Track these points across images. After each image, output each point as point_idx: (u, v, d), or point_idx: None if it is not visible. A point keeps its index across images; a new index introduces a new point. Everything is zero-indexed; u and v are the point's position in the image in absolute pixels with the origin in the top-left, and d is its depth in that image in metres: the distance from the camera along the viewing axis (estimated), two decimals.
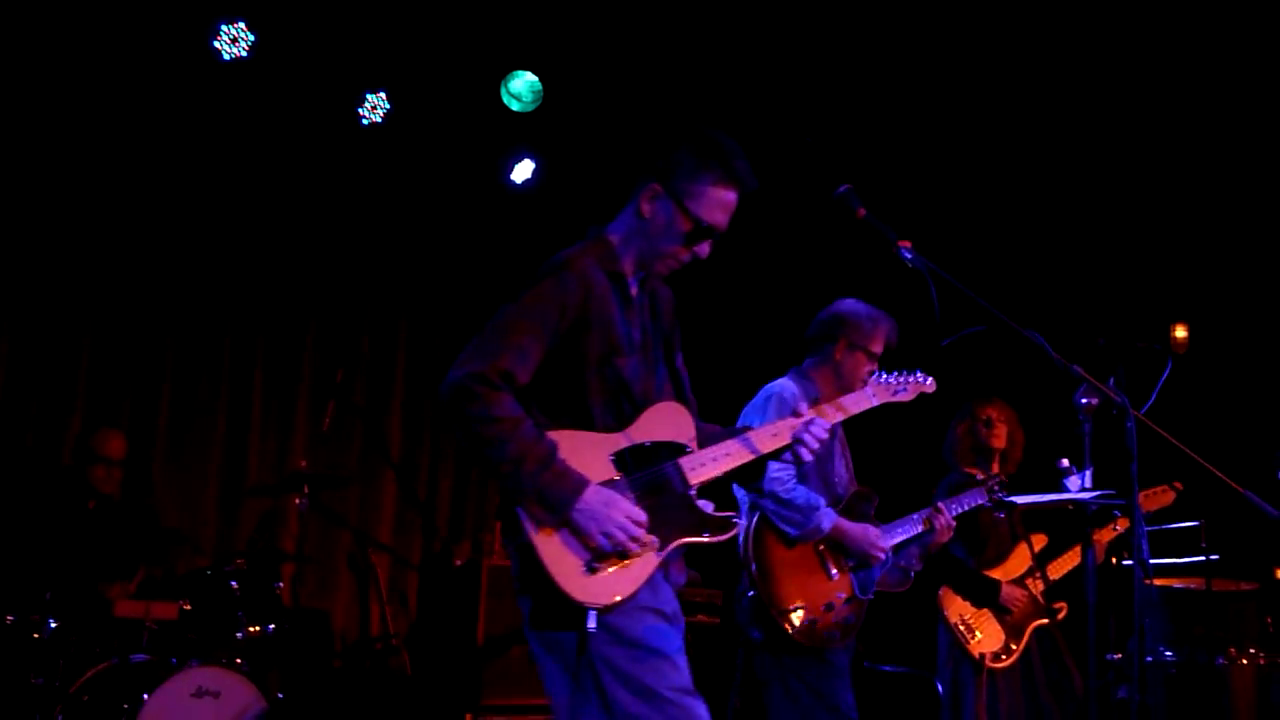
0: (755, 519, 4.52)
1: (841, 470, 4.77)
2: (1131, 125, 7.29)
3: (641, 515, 3.02)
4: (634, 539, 3.00)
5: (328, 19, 7.07)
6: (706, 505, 3.18)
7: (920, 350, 4.42)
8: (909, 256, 3.47)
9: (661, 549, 3.07)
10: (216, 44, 6.86)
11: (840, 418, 3.75)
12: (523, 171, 8.04)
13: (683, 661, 3.07)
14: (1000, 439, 5.62)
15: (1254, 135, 7.07)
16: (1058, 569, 5.44)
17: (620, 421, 3.16)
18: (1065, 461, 4.53)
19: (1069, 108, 7.32)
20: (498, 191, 8.12)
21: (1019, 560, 5.43)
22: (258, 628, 5.91)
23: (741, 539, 4.52)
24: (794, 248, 8.38)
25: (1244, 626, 6.24)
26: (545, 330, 3.08)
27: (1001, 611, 5.29)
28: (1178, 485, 5.29)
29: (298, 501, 6.40)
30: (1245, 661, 6.05)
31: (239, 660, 5.73)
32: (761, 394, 4.71)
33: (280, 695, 5.78)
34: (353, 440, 7.90)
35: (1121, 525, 5.36)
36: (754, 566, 4.45)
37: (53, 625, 5.58)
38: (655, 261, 3.31)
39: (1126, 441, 3.68)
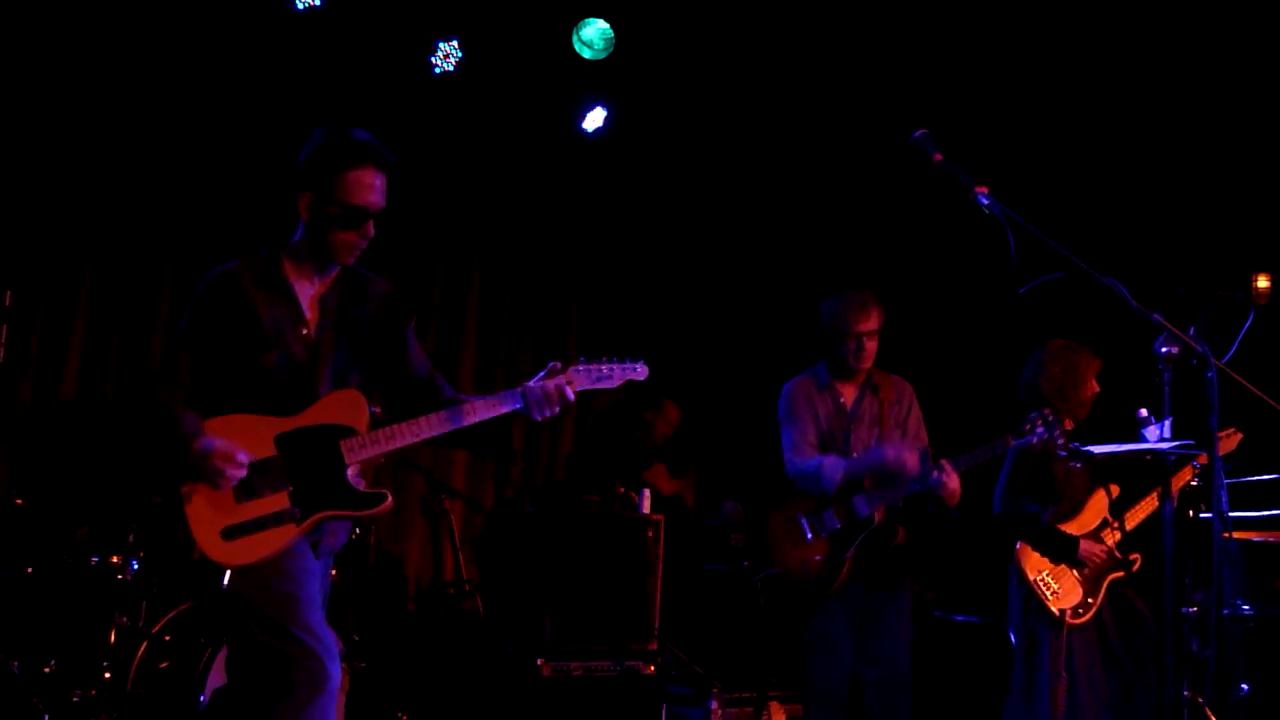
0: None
1: (868, 441, 5.36)
2: (1213, 70, 7.11)
3: (239, 454, 3.51)
4: (232, 472, 3.50)
5: None
6: (358, 483, 3.66)
7: (997, 297, 4.37)
8: (986, 203, 3.42)
9: (303, 520, 3.58)
10: None
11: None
12: (594, 119, 8.02)
13: (314, 602, 3.61)
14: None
15: None
16: (1133, 518, 5.36)
17: (282, 409, 3.64)
18: (1144, 411, 4.48)
19: (1150, 47, 7.15)
20: (570, 140, 8.11)
21: (1094, 512, 5.37)
22: (334, 572, 5.98)
23: None
24: (867, 197, 8.31)
25: None
26: (191, 340, 3.66)
27: (1079, 566, 5.24)
28: (1236, 433, 5.22)
29: None
30: None
31: None
32: None
33: (355, 637, 5.87)
34: None
35: (1200, 462, 5.25)
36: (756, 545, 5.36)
37: (135, 567, 5.70)
38: (335, 253, 3.73)
39: (1207, 392, 3.61)
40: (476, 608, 7.31)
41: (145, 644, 5.55)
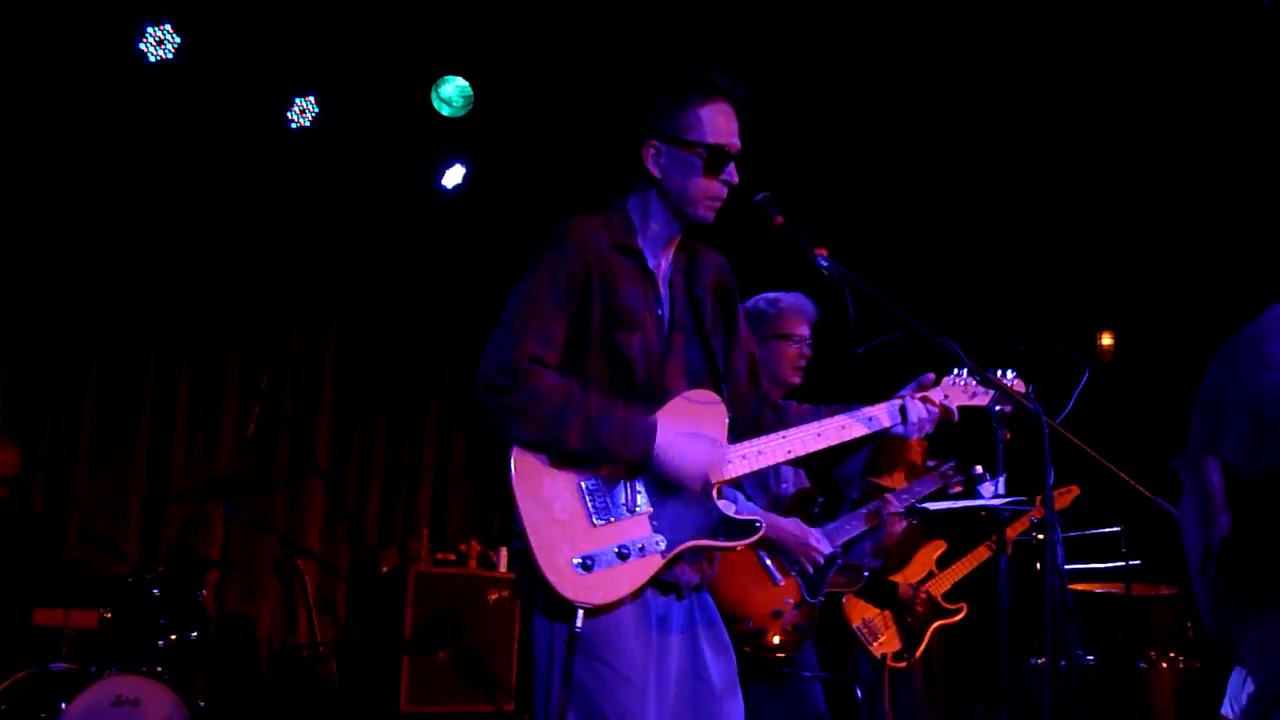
0: None
1: (788, 472, 4.56)
2: (1058, 127, 7.34)
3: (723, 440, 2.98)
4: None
5: (256, 22, 7.02)
6: (727, 507, 3.00)
7: (835, 358, 4.44)
8: (825, 264, 3.45)
9: (668, 550, 2.90)
10: (142, 46, 6.79)
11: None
12: (454, 176, 8.02)
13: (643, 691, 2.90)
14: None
15: (1190, 141, 7.14)
16: (960, 569, 5.54)
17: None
18: (979, 468, 4.57)
19: (990, 109, 7.37)
20: (428, 196, 8.09)
21: (920, 565, 5.58)
22: (179, 635, 5.83)
23: None
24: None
25: (1164, 630, 6.34)
26: (560, 305, 2.96)
27: (902, 612, 5.40)
28: (1074, 489, 5.41)
29: (222, 508, 6.32)
30: (1165, 665, 6.14)
31: (160, 668, 5.64)
32: None
33: (202, 704, 5.71)
34: (280, 446, 7.83)
35: (1035, 516, 5.37)
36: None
37: None
38: (692, 209, 3.13)
39: (1042, 450, 3.70)
40: (330, 671, 7.18)
41: None
